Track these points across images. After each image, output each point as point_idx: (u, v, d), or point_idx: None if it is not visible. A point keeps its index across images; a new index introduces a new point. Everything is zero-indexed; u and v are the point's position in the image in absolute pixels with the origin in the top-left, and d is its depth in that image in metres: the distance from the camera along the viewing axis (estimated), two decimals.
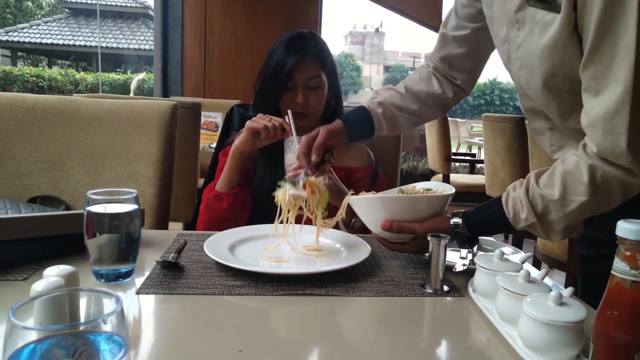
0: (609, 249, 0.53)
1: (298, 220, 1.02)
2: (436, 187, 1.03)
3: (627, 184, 0.79)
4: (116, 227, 0.83)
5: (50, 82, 12.24)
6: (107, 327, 0.41)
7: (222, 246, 0.99)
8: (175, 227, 1.91)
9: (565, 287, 0.73)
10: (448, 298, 0.86)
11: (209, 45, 4.19)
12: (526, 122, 2.82)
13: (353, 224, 1.23)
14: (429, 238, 0.85)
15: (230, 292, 0.82)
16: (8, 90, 11.33)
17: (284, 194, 0.99)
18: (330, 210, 1.02)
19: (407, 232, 0.93)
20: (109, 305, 0.44)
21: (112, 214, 0.83)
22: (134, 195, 0.85)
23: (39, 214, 0.97)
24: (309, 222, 1.02)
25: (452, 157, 4.00)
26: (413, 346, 0.70)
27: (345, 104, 1.43)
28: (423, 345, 0.72)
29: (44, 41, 14.55)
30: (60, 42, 14.60)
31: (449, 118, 4.04)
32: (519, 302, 0.67)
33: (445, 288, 0.87)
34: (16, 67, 13.67)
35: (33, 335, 0.39)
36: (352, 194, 0.98)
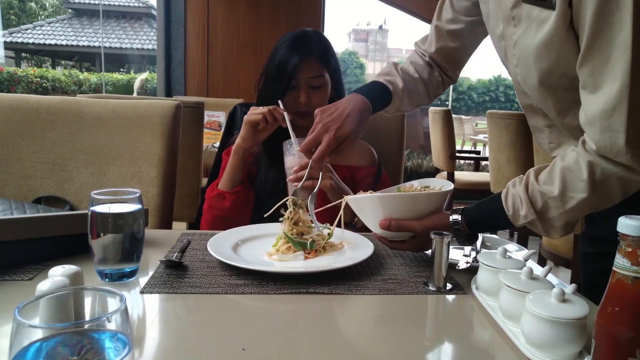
0: (611, 246, 0.53)
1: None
2: (434, 184, 1.03)
3: (626, 180, 0.79)
4: (120, 227, 0.83)
5: (54, 82, 12.27)
6: (111, 326, 0.41)
7: (225, 245, 0.99)
8: (180, 227, 1.91)
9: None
10: (451, 296, 0.86)
11: (212, 45, 4.19)
12: None
13: (356, 224, 1.23)
14: (432, 236, 0.85)
15: (233, 291, 0.82)
16: (12, 91, 11.38)
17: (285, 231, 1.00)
18: (333, 211, 1.02)
19: (406, 230, 0.93)
20: (113, 304, 0.45)
21: (116, 214, 0.83)
22: (138, 195, 0.85)
23: (44, 214, 0.98)
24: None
25: (457, 154, 3.99)
26: (416, 344, 0.71)
27: None
28: (426, 343, 0.72)
29: (47, 42, 14.58)
30: (64, 42, 14.63)
31: (453, 115, 4.03)
32: (521, 299, 0.67)
33: (449, 286, 0.87)
34: (20, 68, 13.70)
35: (39, 334, 0.40)
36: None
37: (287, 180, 1.19)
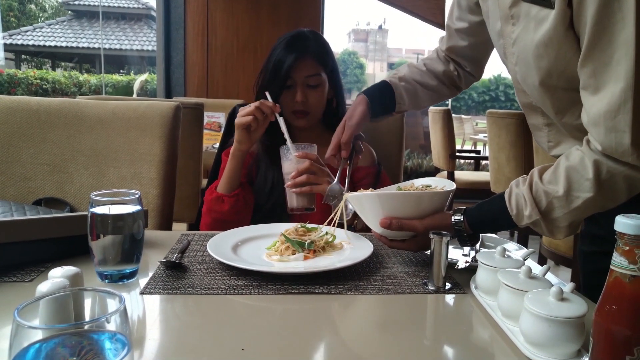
0: (611, 245, 0.53)
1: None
2: (435, 183, 1.03)
3: (632, 179, 0.78)
4: (120, 228, 0.84)
5: (54, 84, 12.27)
6: (110, 326, 0.41)
7: (225, 246, 0.99)
8: (180, 228, 1.92)
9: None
10: (450, 295, 0.86)
11: (212, 46, 4.19)
12: None
13: (355, 225, 1.23)
14: (430, 236, 0.85)
15: (233, 292, 0.83)
16: (12, 93, 11.37)
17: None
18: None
19: (407, 229, 0.93)
20: (112, 304, 0.45)
21: (115, 215, 0.83)
22: (137, 196, 0.86)
23: (44, 216, 0.98)
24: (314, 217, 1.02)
25: (457, 154, 3.99)
26: (416, 343, 0.71)
27: (348, 102, 1.44)
28: (426, 343, 0.72)
29: (47, 44, 14.59)
30: (64, 44, 14.63)
31: (453, 115, 4.03)
32: (520, 298, 0.67)
33: (448, 285, 0.87)
34: (20, 70, 13.70)
35: (38, 335, 0.40)
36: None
37: (285, 186, 1.19)
